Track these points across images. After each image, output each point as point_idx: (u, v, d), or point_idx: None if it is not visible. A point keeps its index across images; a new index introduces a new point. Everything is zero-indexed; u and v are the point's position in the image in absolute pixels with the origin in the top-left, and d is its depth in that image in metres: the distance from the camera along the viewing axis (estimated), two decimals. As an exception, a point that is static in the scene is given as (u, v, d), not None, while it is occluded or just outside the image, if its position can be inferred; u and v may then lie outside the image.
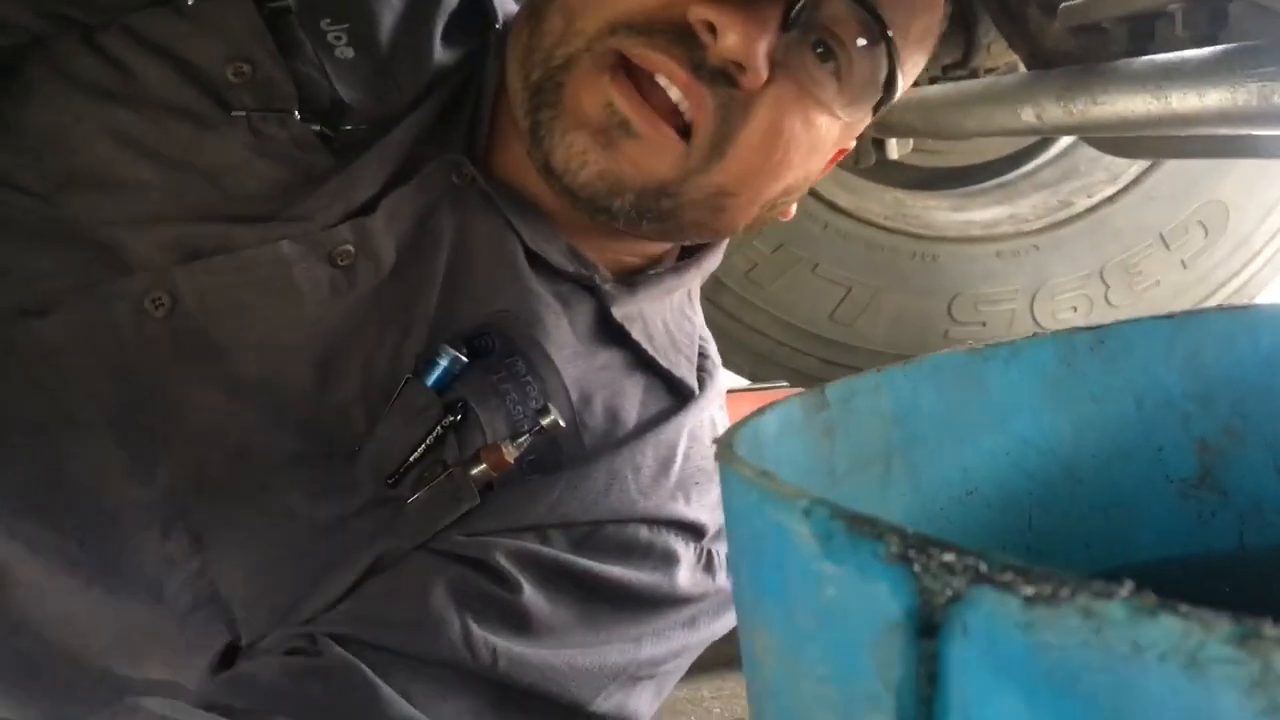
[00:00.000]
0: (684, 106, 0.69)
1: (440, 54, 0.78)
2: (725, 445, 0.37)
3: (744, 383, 1.82)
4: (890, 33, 0.70)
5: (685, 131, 0.69)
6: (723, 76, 0.68)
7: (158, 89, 0.71)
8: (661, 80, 0.68)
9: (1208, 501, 0.63)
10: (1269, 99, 0.70)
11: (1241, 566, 0.64)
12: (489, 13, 0.82)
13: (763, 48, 0.67)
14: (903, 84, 0.75)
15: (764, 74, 0.68)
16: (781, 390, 1.80)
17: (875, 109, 0.75)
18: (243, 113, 0.71)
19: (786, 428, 0.46)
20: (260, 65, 0.71)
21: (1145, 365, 0.63)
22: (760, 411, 0.45)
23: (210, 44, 0.71)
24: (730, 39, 0.66)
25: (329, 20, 0.74)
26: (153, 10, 0.72)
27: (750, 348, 1.74)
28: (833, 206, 1.67)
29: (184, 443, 0.68)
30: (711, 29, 0.66)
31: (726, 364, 1.75)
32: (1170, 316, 0.64)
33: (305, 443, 0.69)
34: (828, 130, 0.73)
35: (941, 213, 1.75)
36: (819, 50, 0.70)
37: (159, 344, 0.68)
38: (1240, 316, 0.65)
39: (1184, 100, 0.80)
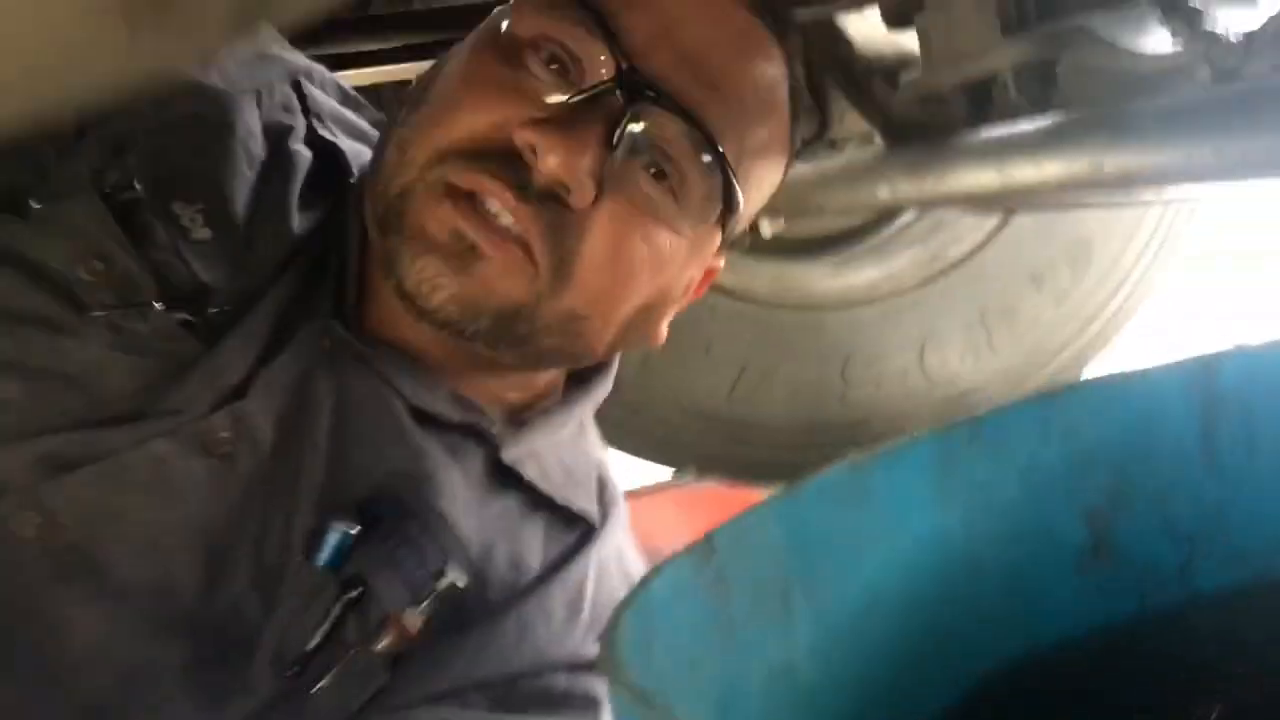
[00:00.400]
0: (515, 229, 0.69)
1: (298, 218, 0.78)
2: (606, 644, 0.36)
3: (659, 475, 1.83)
4: (720, 148, 0.72)
5: (528, 250, 0.70)
6: (551, 198, 0.69)
7: (8, 299, 0.68)
8: (491, 205, 0.69)
9: (1105, 570, 0.64)
10: (1100, 169, 0.73)
11: (1144, 631, 0.65)
12: (344, 168, 0.82)
13: (584, 165, 0.68)
14: (747, 197, 0.76)
15: (589, 192, 0.69)
16: (687, 487, 1.81)
17: (722, 224, 0.76)
18: (101, 312, 0.69)
19: (676, 591, 0.45)
20: (114, 260, 0.70)
21: (1024, 447, 0.64)
22: (646, 581, 0.44)
23: (60, 245, 0.69)
24: (550, 160, 0.67)
25: (181, 203, 0.73)
26: None
27: (655, 436, 1.74)
28: (716, 288, 1.68)
29: (70, 671, 0.65)
30: (534, 151, 0.68)
31: (635, 454, 1.76)
32: (1041, 395, 0.65)
33: (198, 648, 0.66)
34: (673, 247, 0.74)
35: (822, 280, 1.78)
36: (652, 170, 0.72)
37: (33, 566, 0.65)
38: (1109, 386, 0.67)
39: (1023, 172, 0.83)
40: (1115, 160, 0.72)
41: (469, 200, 0.69)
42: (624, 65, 0.69)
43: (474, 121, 0.70)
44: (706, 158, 0.72)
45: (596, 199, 0.69)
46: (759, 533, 0.53)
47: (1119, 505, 0.65)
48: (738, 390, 1.73)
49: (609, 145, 0.69)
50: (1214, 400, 0.60)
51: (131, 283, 0.70)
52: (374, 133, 0.87)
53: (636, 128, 0.70)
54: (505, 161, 0.69)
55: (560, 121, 0.68)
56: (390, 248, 0.71)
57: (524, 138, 0.68)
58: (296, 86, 0.82)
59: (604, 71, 0.70)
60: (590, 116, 0.69)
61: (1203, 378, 0.60)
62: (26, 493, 0.66)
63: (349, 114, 0.87)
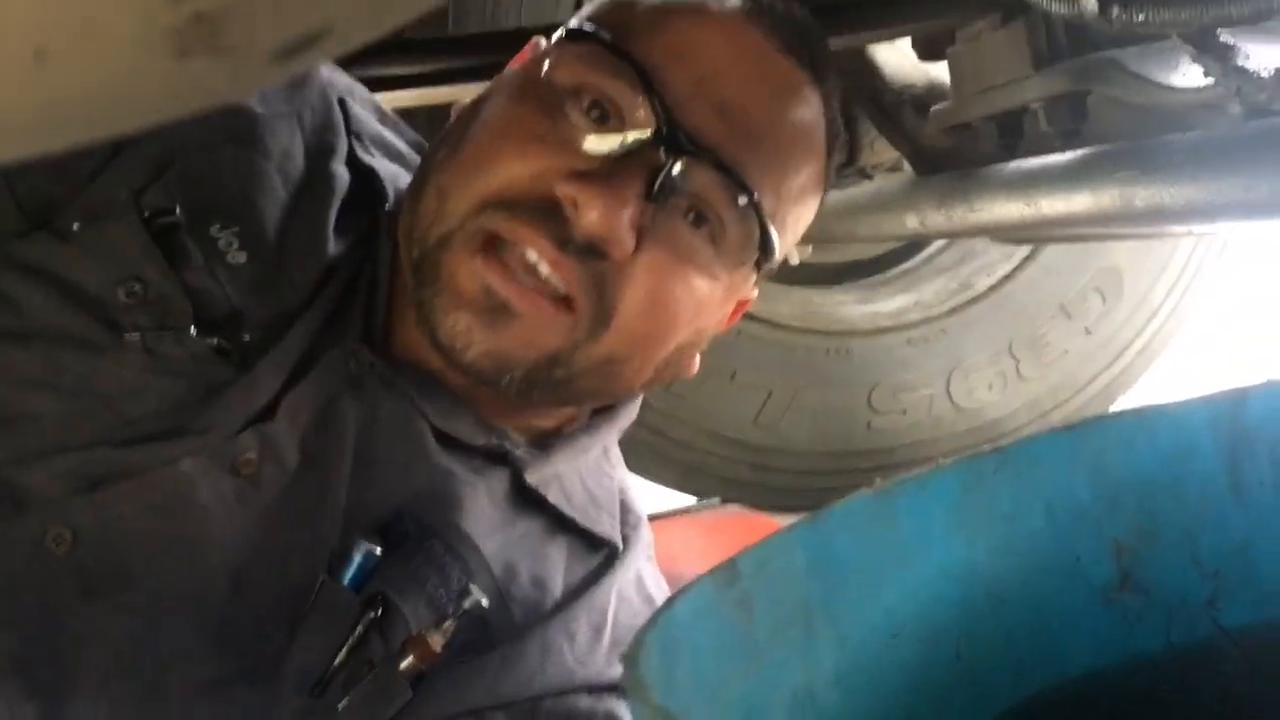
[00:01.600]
0: (555, 281, 0.70)
1: (333, 242, 0.78)
2: (629, 664, 0.36)
3: (682, 500, 1.82)
4: (757, 196, 0.72)
5: (565, 302, 0.70)
6: (591, 250, 0.69)
7: (45, 318, 0.69)
8: (531, 256, 0.69)
9: (1132, 604, 0.63)
10: (1130, 202, 0.73)
11: (1171, 665, 0.64)
12: (380, 192, 0.82)
13: (625, 220, 0.68)
14: (783, 238, 0.77)
15: (629, 245, 0.69)
16: (714, 511, 1.80)
17: (758, 265, 0.77)
18: (136, 334, 0.70)
19: (699, 614, 0.46)
20: (152, 284, 0.70)
21: (1051, 478, 0.64)
22: (669, 603, 0.45)
23: (98, 266, 0.70)
24: (591, 215, 0.67)
25: (218, 226, 0.73)
26: (34, 236, 0.71)
27: (679, 461, 1.74)
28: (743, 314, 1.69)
29: (95, 684, 0.65)
30: (575, 205, 0.68)
31: (658, 480, 1.76)
32: (1070, 427, 0.65)
33: (223, 664, 0.67)
34: (711, 290, 0.75)
35: (849, 307, 1.79)
36: (690, 217, 0.72)
37: (64, 581, 0.66)
38: (1138, 419, 0.66)
39: (1052, 205, 0.83)
40: (1146, 194, 0.72)
41: (503, 252, 0.70)
42: (664, 117, 0.70)
43: (514, 171, 0.70)
44: (744, 204, 0.72)
45: (636, 249, 0.70)
46: (783, 557, 0.54)
47: (1146, 539, 0.65)
48: (763, 416, 1.73)
49: (649, 196, 0.69)
50: (1242, 435, 0.60)
51: (168, 307, 0.71)
52: (411, 155, 0.88)
53: (676, 178, 0.70)
54: (545, 212, 0.69)
55: (601, 175, 0.69)
56: (424, 300, 0.72)
57: (565, 191, 0.68)
58: (341, 104, 0.83)
59: (644, 123, 0.70)
60: (630, 169, 0.69)
61: (1231, 412, 0.60)
62: (55, 508, 0.67)
63: (388, 134, 0.88)
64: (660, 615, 0.42)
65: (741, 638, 0.49)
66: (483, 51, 1.07)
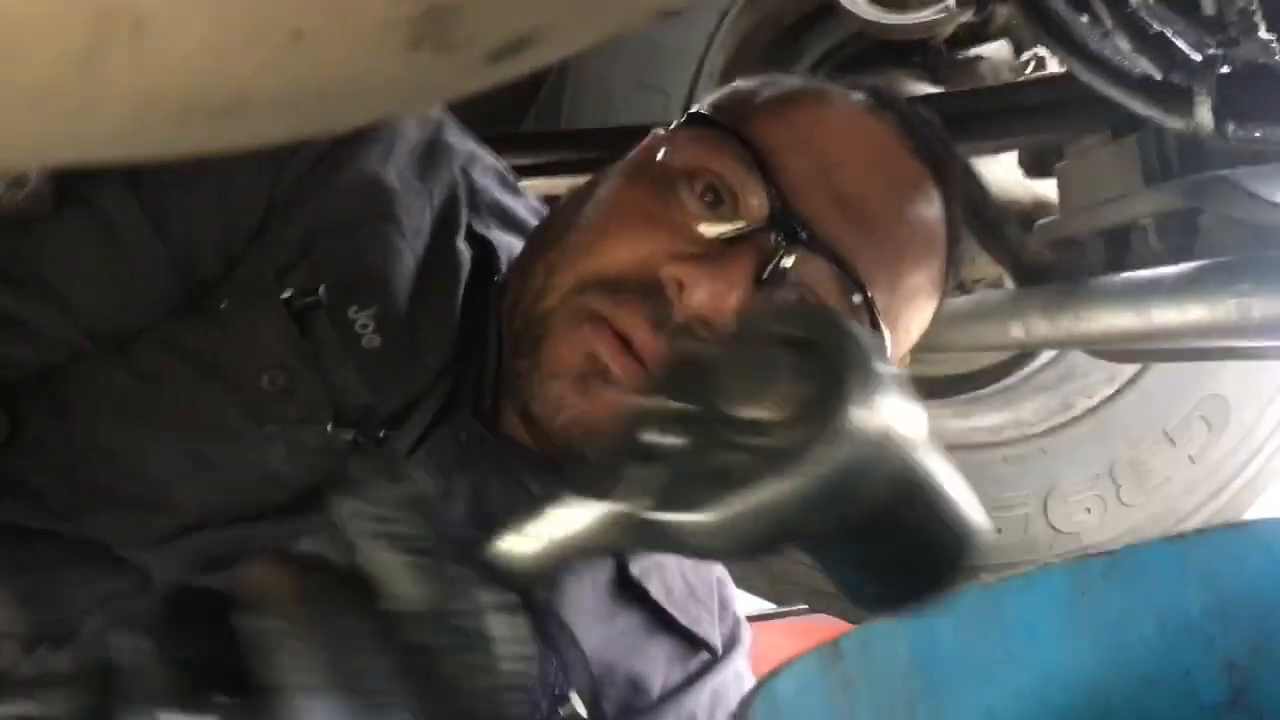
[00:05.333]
0: (646, 359, 0.69)
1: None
2: (741, 722, 0.36)
3: (765, 606, 1.79)
4: (871, 293, 0.71)
5: None
6: (688, 334, 0.68)
7: (192, 404, 0.70)
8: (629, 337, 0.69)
9: (1243, 726, 0.61)
10: (1247, 314, 0.72)
11: (1287, 793, 0.61)
12: (494, 264, 0.82)
13: (732, 303, 0.67)
14: (896, 340, 0.75)
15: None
16: (799, 618, 1.77)
17: None
18: (278, 426, 0.70)
19: (803, 688, 0.45)
20: (295, 374, 0.71)
21: (1162, 587, 0.62)
22: (774, 674, 0.45)
23: (244, 352, 0.71)
24: (698, 295, 0.67)
25: (356, 307, 0.73)
26: (184, 318, 0.71)
27: (768, 569, 1.72)
28: (836, 423, 1.68)
29: None
30: (681, 285, 0.68)
31: (744, 587, 1.73)
32: (1181, 536, 0.63)
33: None
34: None
35: (945, 420, 1.76)
36: None
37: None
38: (1251, 532, 0.65)
39: (1164, 315, 0.82)
40: (1263, 305, 0.71)
41: (607, 326, 0.70)
42: (779, 204, 0.69)
43: (622, 252, 0.70)
44: (857, 300, 0.71)
45: None
46: (886, 645, 0.53)
47: (1260, 658, 0.63)
48: (852, 527, 1.70)
49: (757, 283, 0.69)
50: (1364, 550, 0.58)
51: (310, 400, 0.71)
52: (529, 220, 0.88)
53: (786, 267, 0.69)
54: (646, 294, 0.69)
55: (710, 258, 0.68)
56: (520, 370, 0.72)
57: (671, 273, 0.68)
58: (465, 174, 0.84)
59: (758, 209, 0.70)
60: (741, 254, 0.69)
61: (1353, 526, 0.58)
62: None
63: (507, 199, 0.88)
64: (765, 683, 0.42)
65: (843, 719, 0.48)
66: (593, 144, 1.10)
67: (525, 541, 0.43)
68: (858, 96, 0.77)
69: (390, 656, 0.40)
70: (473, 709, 0.40)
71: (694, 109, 0.79)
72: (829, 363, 0.41)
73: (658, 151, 0.75)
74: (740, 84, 0.81)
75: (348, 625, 0.39)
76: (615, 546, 0.47)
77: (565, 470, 0.76)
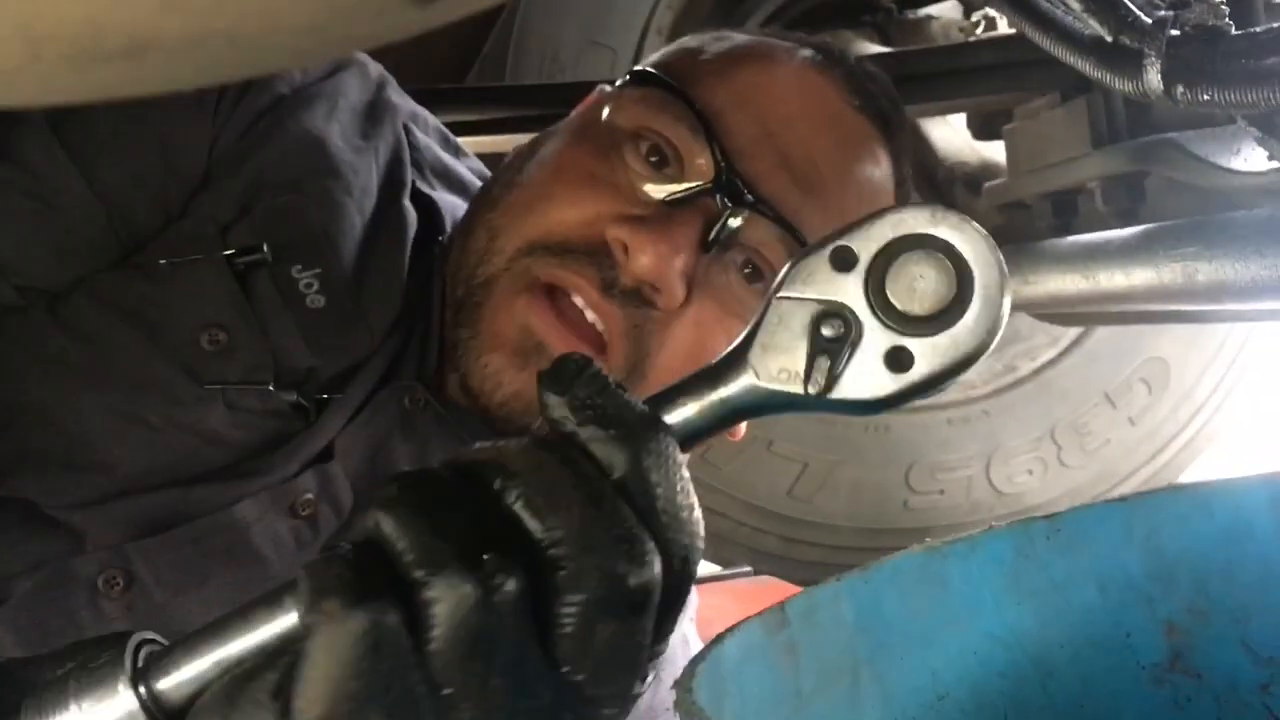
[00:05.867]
0: (599, 326, 0.69)
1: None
2: (684, 690, 0.35)
3: (710, 568, 1.80)
4: None
5: (601, 346, 0.69)
6: (636, 296, 0.68)
7: (128, 362, 0.68)
8: (576, 299, 0.69)
9: (1182, 686, 0.61)
10: (1193, 277, 0.73)
11: (1224, 753, 0.62)
12: (437, 225, 0.81)
13: (677, 267, 0.67)
14: None
15: (679, 294, 0.68)
16: (742, 579, 1.78)
17: None
18: (218, 386, 0.68)
19: (748, 653, 0.45)
20: (235, 333, 0.69)
21: (1104, 550, 0.62)
22: (719, 640, 0.44)
23: (182, 310, 0.69)
24: (643, 260, 0.66)
25: (300, 266, 0.72)
26: (122, 271, 0.69)
27: (710, 530, 1.72)
28: (783, 384, 1.68)
29: None
30: (626, 249, 0.67)
31: (688, 547, 1.73)
32: (1124, 500, 0.64)
33: None
34: None
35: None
36: (745, 271, 0.71)
37: (116, 624, 0.65)
38: (1192, 494, 0.65)
39: (1111, 279, 0.82)
40: (1209, 269, 0.72)
41: (548, 296, 0.69)
42: (724, 166, 0.69)
43: (566, 215, 0.70)
44: None
45: (684, 300, 0.68)
46: (831, 608, 0.52)
47: (1199, 620, 0.63)
48: (798, 488, 1.71)
49: (703, 246, 0.68)
50: (1305, 513, 0.58)
51: (251, 361, 0.69)
52: (472, 181, 0.87)
53: (733, 229, 0.69)
54: (593, 257, 0.68)
55: (655, 220, 0.68)
56: (458, 340, 0.71)
57: (616, 235, 0.67)
58: (408, 132, 0.82)
59: (703, 170, 0.69)
60: (686, 216, 0.68)
61: (1293, 489, 0.59)
62: (113, 552, 0.66)
63: (449, 159, 0.87)
64: (711, 649, 0.41)
65: (788, 685, 0.48)
66: (539, 101, 1.08)
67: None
68: (805, 53, 0.76)
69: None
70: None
71: (640, 67, 0.77)
72: None
73: (603, 110, 0.74)
74: (687, 41, 0.80)
75: (598, 487, 0.42)
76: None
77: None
